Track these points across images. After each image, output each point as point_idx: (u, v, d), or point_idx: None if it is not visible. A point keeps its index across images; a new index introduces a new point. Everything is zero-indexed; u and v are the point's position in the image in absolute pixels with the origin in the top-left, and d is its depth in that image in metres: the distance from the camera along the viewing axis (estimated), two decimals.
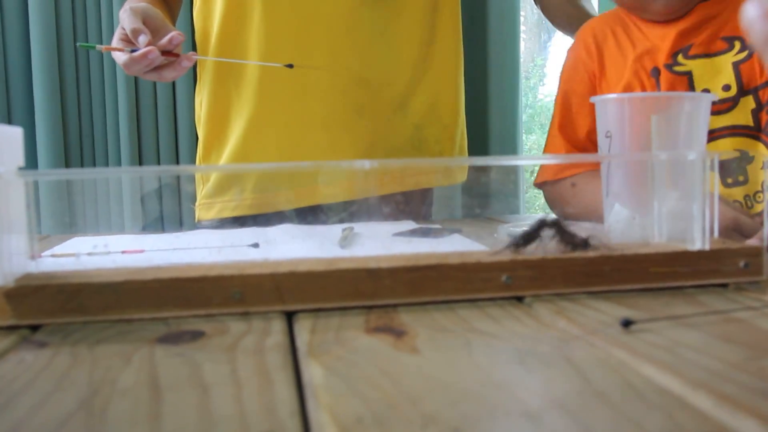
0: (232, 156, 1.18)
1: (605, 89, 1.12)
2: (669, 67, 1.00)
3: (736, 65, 0.94)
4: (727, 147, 0.96)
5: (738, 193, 0.95)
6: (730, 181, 0.96)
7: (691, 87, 0.98)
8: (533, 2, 1.68)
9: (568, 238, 0.57)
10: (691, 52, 0.98)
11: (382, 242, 0.79)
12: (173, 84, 1.76)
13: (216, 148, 1.21)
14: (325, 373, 0.38)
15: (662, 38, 1.02)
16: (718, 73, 0.95)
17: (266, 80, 1.14)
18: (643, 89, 1.04)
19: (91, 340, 0.46)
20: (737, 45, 0.94)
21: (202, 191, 1.23)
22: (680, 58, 0.99)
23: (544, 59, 3.70)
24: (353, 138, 1.17)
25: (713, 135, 0.97)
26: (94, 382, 0.37)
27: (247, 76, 1.16)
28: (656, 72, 1.02)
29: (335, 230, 0.86)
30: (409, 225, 0.95)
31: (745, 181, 0.95)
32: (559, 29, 1.64)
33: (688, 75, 0.98)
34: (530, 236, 0.57)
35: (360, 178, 1.18)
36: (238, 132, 1.18)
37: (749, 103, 0.93)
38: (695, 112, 0.70)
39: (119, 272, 0.51)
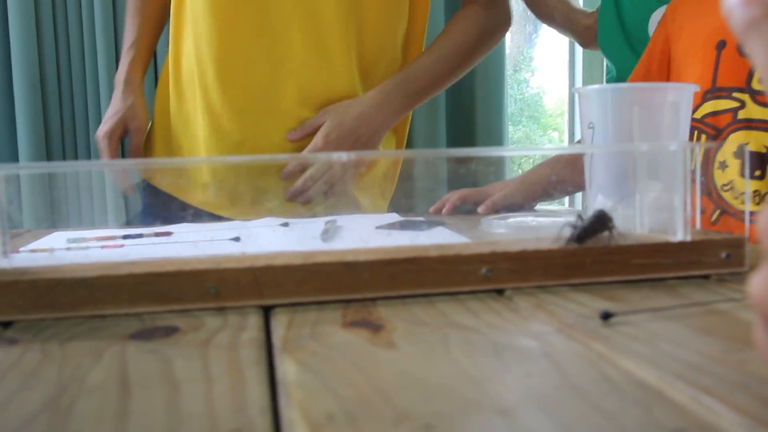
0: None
1: (677, 54, 1.07)
2: (740, 46, 0.96)
3: None
4: (759, 140, 0.94)
5: (753, 186, 0.95)
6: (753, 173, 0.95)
7: (750, 73, 0.95)
8: None
9: (611, 232, 0.57)
10: None
11: (365, 235, 0.78)
12: (155, 76, 1.74)
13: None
14: (298, 369, 0.37)
15: None
16: None
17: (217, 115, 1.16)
18: (703, 60, 1.00)
19: (62, 336, 0.45)
20: None
21: None
22: None
23: (531, 50, 3.70)
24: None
25: (751, 124, 0.95)
26: (62, 380, 0.36)
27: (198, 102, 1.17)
28: (721, 45, 0.98)
29: (318, 223, 0.85)
30: (393, 217, 0.95)
31: (762, 177, 0.94)
32: (546, 23, 1.63)
33: None
34: (590, 230, 0.57)
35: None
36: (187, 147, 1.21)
37: None
38: (678, 103, 0.69)
39: (93, 267, 0.51)
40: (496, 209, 1.05)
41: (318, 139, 1.12)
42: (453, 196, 1.09)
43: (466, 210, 1.10)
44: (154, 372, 0.37)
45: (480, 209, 1.05)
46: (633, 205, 0.64)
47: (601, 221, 0.57)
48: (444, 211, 1.07)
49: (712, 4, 1.03)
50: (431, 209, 1.11)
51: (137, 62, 1.27)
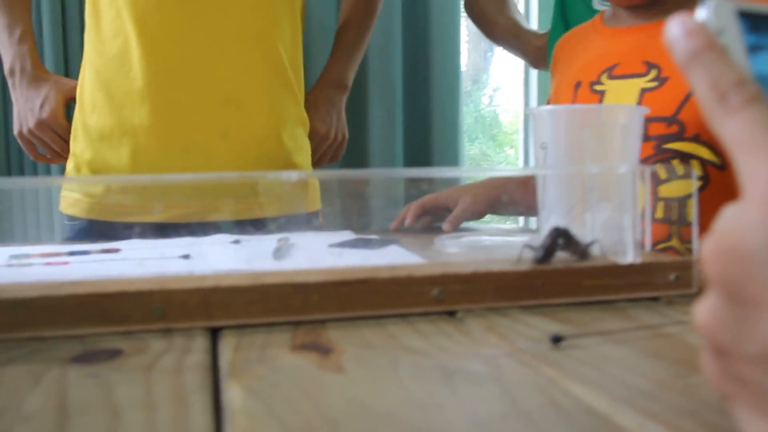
0: (87, 165, 1.17)
1: (552, 95, 1.13)
2: (591, 84, 1.01)
3: (643, 92, 0.95)
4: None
5: None
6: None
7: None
8: (467, 14, 1.68)
9: (575, 247, 0.58)
10: (615, 72, 0.99)
11: (317, 253, 0.78)
12: None
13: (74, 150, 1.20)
14: (244, 395, 0.36)
15: (600, 55, 1.03)
16: (625, 97, 0.96)
17: (121, 93, 1.13)
18: (565, 99, 1.05)
19: None
20: (653, 72, 0.95)
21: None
22: (604, 77, 1.00)
23: (487, 67, 3.73)
24: (213, 163, 1.14)
25: None
26: None
27: (104, 89, 1.14)
28: (578, 85, 1.03)
29: (270, 241, 0.84)
30: (347, 235, 0.94)
31: None
32: (497, 43, 1.65)
33: (602, 94, 0.99)
34: (551, 248, 0.57)
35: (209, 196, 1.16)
36: (89, 142, 1.16)
37: None
38: (628, 124, 0.70)
39: (33, 287, 0.49)
40: (459, 224, 1.05)
41: (325, 140, 1.34)
42: (413, 206, 1.09)
43: (426, 227, 1.09)
44: (94, 398, 0.36)
45: (444, 227, 1.04)
46: (583, 225, 0.64)
47: (561, 239, 0.58)
48: (407, 222, 1.07)
49: (577, 51, 1.10)
50: (392, 225, 1.09)
51: (36, 53, 1.24)
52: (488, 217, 1.14)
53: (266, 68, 1.18)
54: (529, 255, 0.57)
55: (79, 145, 1.18)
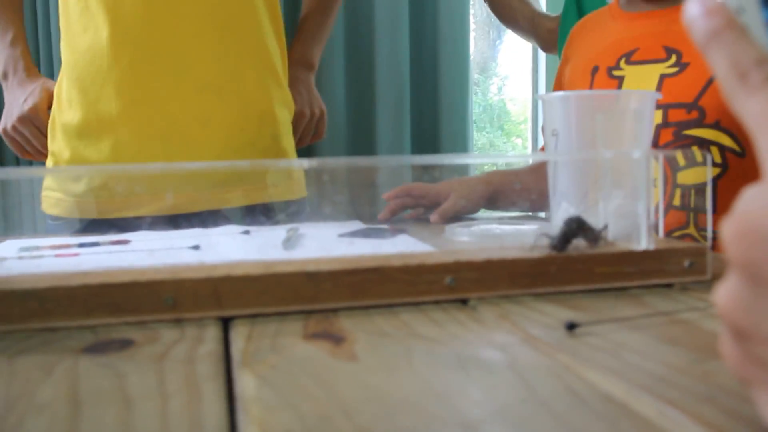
0: (67, 164, 1.14)
1: (565, 78, 1.12)
2: (609, 70, 1.00)
3: (663, 77, 0.94)
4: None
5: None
6: None
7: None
8: (483, 1, 1.68)
9: (588, 234, 0.57)
10: (633, 58, 0.98)
11: (328, 243, 0.77)
12: None
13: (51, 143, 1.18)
14: (258, 383, 0.36)
15: (618, 40, 1.02)
16: (644, 82, 0.95)
17: (95, 87, 1.10)
18: (581, 84, 1.04)
19: (12, 350, 0.43)
20: (673, 58, 0.94)
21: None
22: (622, 62, 0.99)
23: (495, 56, 3.72)
24: (196, 152, 1.12)
25: None
26: (10, 398, 0.35)
27: (78, 85, 1.12)
28: (595, 70, 1.02)
29: (279, 231, 0.84)
30: (356, 225, 0.94)
31: None
32: (509, 27, 1.64)
33: (620, 80, 0.98)
34: (568, 236, 0.57)
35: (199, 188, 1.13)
36: (67, 141, 1.14)
37: (656, 117, 0.93)
38: (641, 110, 0.69)
39: (44, 278, 0.49)
40: (447, 217, 1.02)
41: (302, 118, 1.34)
42: (399, 188, 1.07)
43: (423, 217, 1.08)
44: (106, 388, 0.36)
45: (432, 218, 1.02)
46: (596, 212, 0.63)
47: (576, 226, 0.57)
48: (384, 196, 1.04)
49: (594, 36, 1.08)
50: (380, 216, 1.07)
51: (28, 55, 1.26)
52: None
53: (244, 52, 1.16)
54: (544, 243, 0.57)
55: (57, 144, 1.17)
